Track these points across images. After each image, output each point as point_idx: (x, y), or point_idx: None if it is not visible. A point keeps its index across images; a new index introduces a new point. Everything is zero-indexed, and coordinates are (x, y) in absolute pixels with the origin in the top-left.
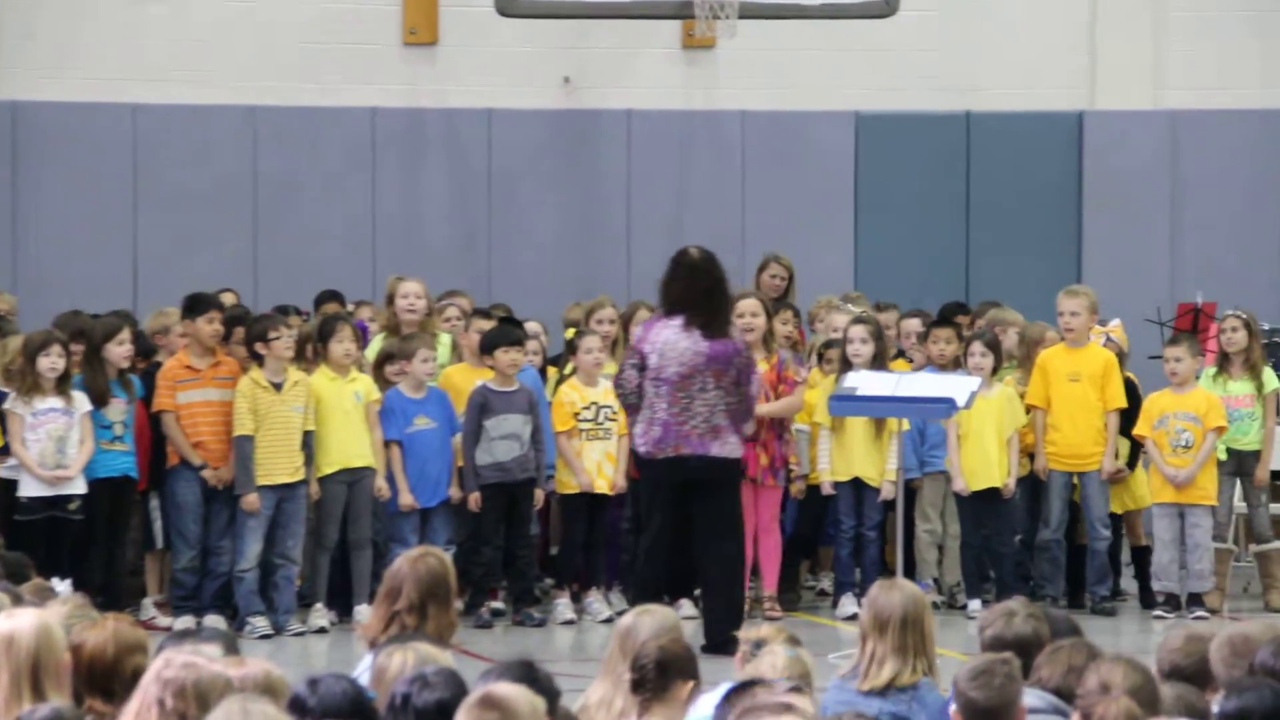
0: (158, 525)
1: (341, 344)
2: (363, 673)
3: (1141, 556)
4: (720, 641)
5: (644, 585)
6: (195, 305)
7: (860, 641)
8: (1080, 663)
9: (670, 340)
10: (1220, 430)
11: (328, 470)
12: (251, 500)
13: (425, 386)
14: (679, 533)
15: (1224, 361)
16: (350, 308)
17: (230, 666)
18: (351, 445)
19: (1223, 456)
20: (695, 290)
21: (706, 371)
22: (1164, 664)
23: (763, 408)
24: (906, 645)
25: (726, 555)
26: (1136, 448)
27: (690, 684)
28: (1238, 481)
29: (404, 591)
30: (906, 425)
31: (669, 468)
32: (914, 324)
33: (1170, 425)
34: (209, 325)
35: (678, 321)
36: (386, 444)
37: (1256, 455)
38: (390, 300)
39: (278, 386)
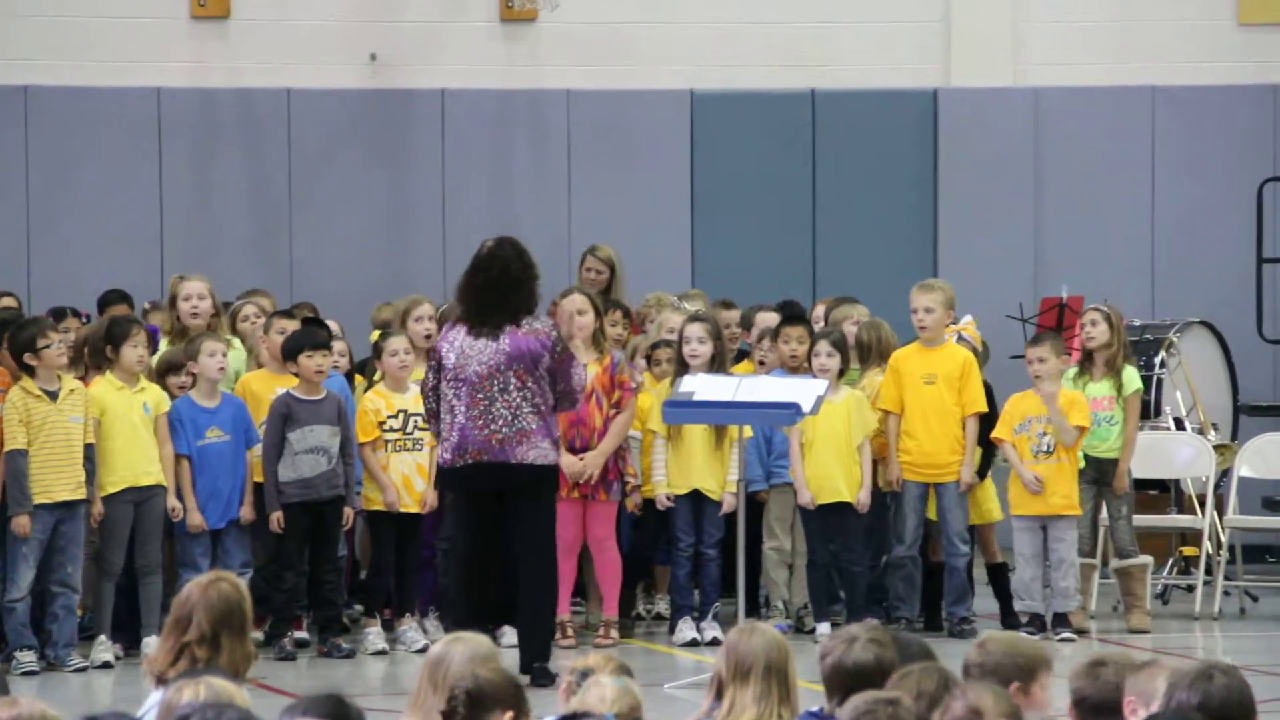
0: None
1: (136, 349)
2: (150, 710)
3: (997, 574)
4: (526, 670)
5: (457, 612)
6: None
7: (712, 687)
8: (931, 688)
9: (468, 340)
10: (1082, 430)
11: (113, 489)
12: (22, 523)
13: (218, 392)
14: (489, 551)
15: (1086, 361)
16: (146, 307)
17: (2, 707)
18: (139, 461)
19: (1081, 464)
20: (471, 287)
21: (509, 371)
22: (1073, 693)
23: (605, 443)
24: (770, 693)
25: (534, 576)
26: (987, 457)
27: (508, 714)
28: (1100, 492)
29: (194, 621)
30: (749, 432)
31: (469, 477)
32: (769, 318)
33: (1032, 429)
34: None
35: (465, 324)
36: (176, 458)
37: (1117, 463)
38: (173, 303)
39: (52, 395)
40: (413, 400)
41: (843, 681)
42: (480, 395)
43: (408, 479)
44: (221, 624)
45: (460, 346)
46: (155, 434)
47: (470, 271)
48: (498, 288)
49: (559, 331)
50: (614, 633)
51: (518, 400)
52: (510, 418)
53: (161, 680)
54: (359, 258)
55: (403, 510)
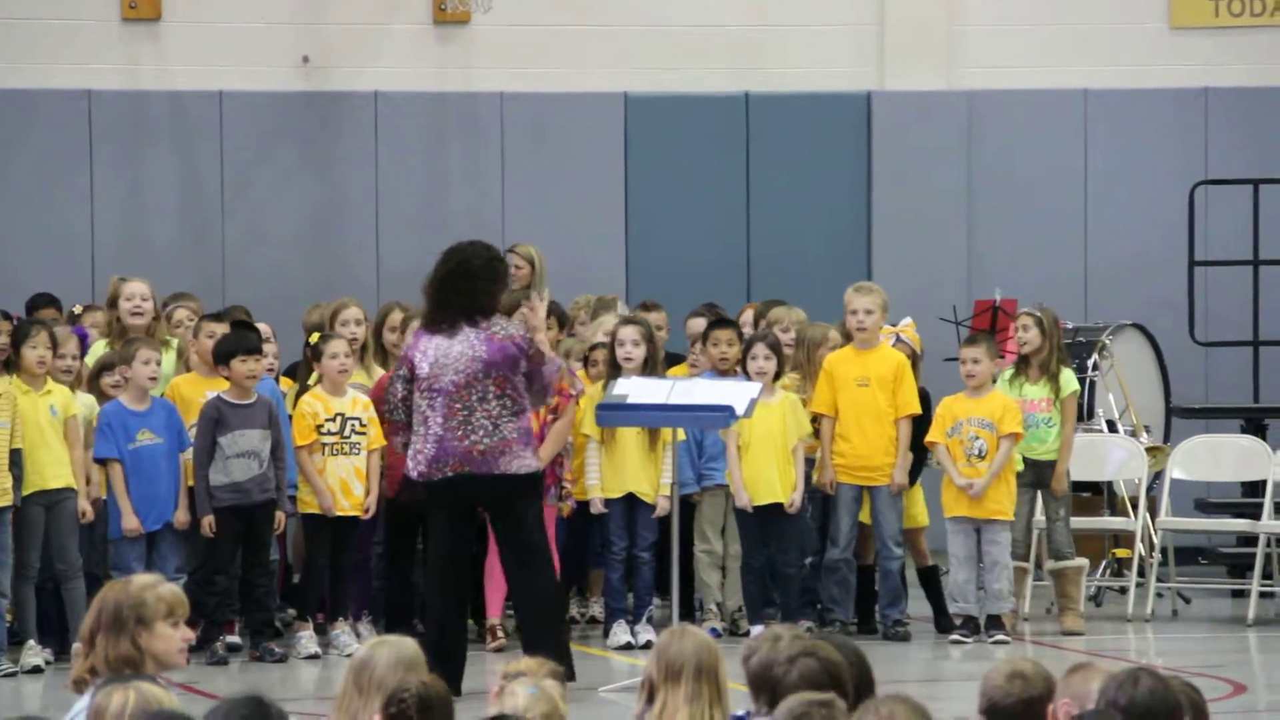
0: None
1: (36, 350)
2: (78, 714)
3: (928, 576)
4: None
5: (434, 629)
6: None
7: (643, 691)
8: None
9: (442, 346)
10: (1016, 438)
11: (22, 492)
12: None
13: (149, 397)
14: (460, 564)
15: (1022, 363)
16: (77, 310)
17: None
18: (47, 465)
19: (1020, 467)
20: (430, 286)
21: (487, 380)
22: (982, 701)
23: (543, 450)
24: (701, 694)
25: (535, 587)
26: (917, 462)
27: None
28: (1037, 494)
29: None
30: (682, 435)
31: (448, 489)
32: (699, 323)
33: (964, 432)
34: None
35: (431, 325)
36: (107, 462)
37: (1054, 465)
38: (112, 304)
39: None
40: (349, 403)
41: (767, 679)
42: (458, 405)
43: (345, 483)
44: (97, 624)
45: (434, 355)
46: (65, 436)
47: (433, 269)
48: (453, 281)
49: (529, 332)
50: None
51: (497, 410)
52: (491, 428)
53: (78, 686)
54: (291, 261)
55: (339, 514)
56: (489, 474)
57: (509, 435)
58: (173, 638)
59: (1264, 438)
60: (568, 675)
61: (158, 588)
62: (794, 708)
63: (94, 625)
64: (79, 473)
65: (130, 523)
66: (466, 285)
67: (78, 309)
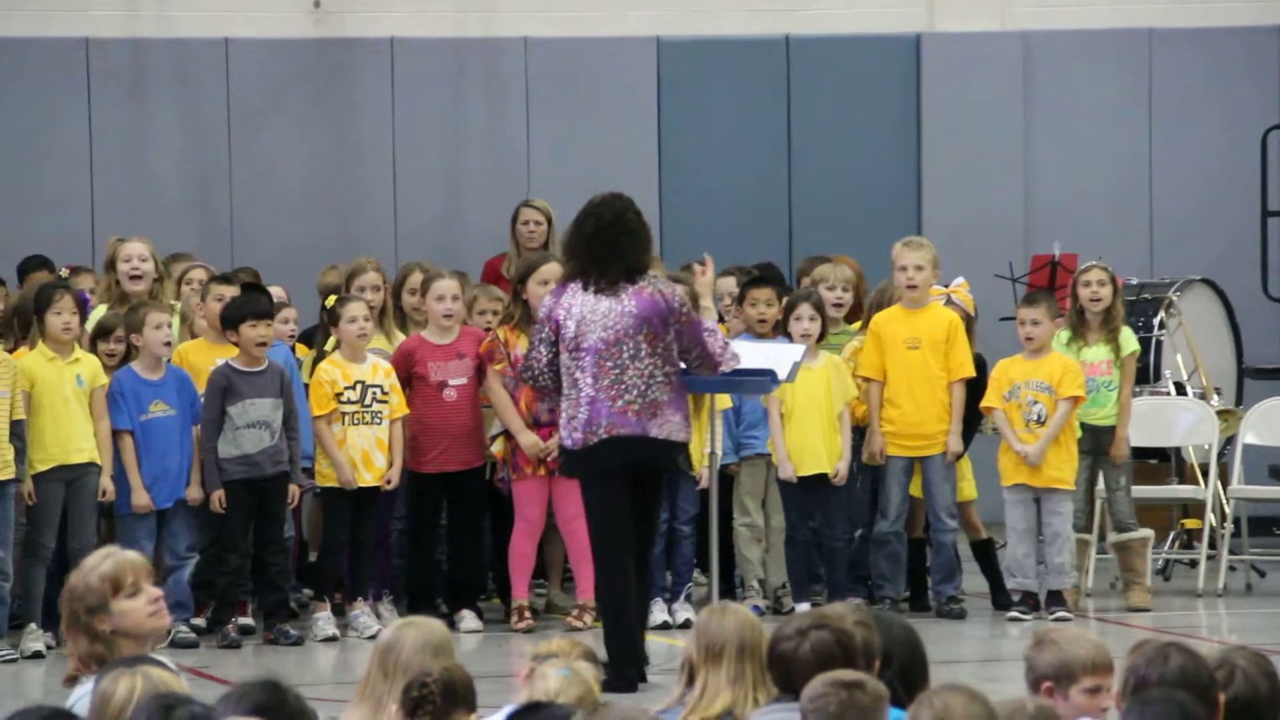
0: None
1: (60, 316)
2: (81, 699)
3: (983, 550)
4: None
5: (614, 597)
6: None
7: (683, 671)
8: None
9: (589, 302)
10: (1076, 400)
11: (42, 467)
12: None
13: (163, 365)
14: (628, 534)
15: (1078, 323)
16: (64, 273)
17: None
18: (70, 438)
19: (1078, 434)
20: (581, 235)
21: (639, 335)
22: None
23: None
24: (744, 674)
25: (646, 565)
26: (968, 431)
27: (472, 717)
28: (1096, 463)
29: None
30: (729, 402)
31: (603, 454)
32: (726, 283)
33: (1021, 396)
34: None
35: (578, 283)
36: (118, 434)
37: (1114, 431)
38: (111, 266)
39: None
40: (370, 370)
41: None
42: (609, 364)
43: (366, 454)
44: (64, 625)
45: (580, 312)
46: (90, 408)
47: (578, 220)
48: (612, 235)
49: (683, 289)
50: (588, 618)
51: (649, 368)
52: (644, 388)
53: (70, 684)
54: (303, 219)
55: (360, 485)
56: (640, 436)
57: (660, 398)
58: (134, 608)
59: None
60: (640, 676)
61: (100, 567)
62: (815, 688)
63: (65, 625)
64: (104, 447)
65: (141, 499)
66: (627, 241)
67: (64, 271)
